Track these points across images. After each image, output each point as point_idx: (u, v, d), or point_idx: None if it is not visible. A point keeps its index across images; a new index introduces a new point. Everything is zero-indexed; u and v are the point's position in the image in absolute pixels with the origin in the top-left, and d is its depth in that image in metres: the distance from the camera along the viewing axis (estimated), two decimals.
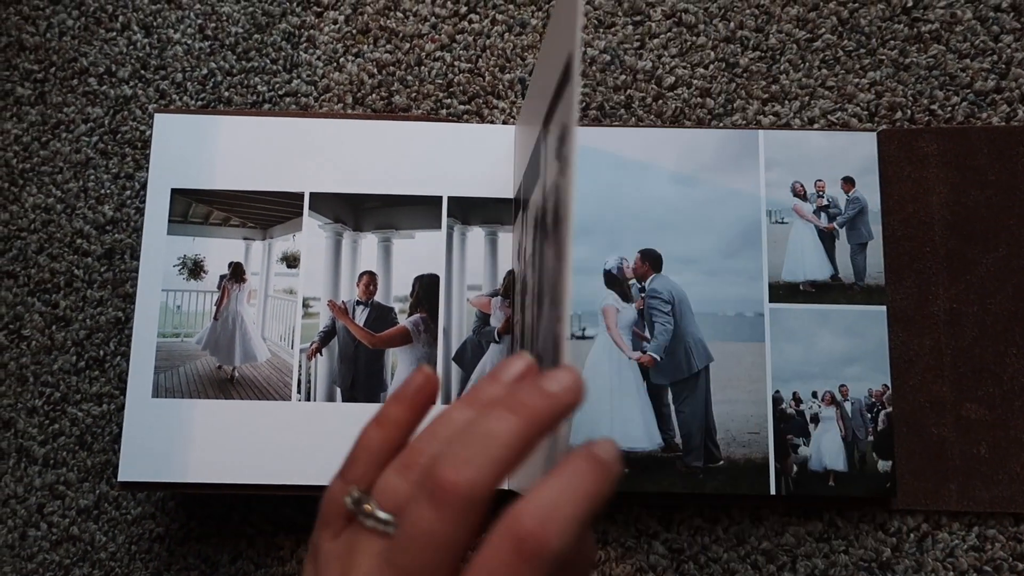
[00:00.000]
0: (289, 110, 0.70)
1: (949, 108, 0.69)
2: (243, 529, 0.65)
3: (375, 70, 0.71)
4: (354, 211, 0.66)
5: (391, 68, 0.71)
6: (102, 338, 0.68)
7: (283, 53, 0.71)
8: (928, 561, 0.63)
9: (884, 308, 0.65)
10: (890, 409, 0.64)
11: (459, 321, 0.65)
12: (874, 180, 0.66)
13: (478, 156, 0.66)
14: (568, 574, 0.34)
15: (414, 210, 0.66)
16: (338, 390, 0.63)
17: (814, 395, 0.64)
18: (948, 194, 0.67)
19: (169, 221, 0.65)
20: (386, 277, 0.66)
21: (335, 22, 0.72)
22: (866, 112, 0.69)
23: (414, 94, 0.71)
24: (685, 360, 0.64)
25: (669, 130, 0.68)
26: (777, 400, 0.64)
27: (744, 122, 0.69)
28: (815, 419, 0.63)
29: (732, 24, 0.71)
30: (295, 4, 0.72)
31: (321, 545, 0.37)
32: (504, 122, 0.70)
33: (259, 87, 0.70)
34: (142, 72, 0.71)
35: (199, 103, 0.70)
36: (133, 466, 0.62)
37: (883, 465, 0.63)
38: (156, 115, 0.66)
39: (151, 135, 0.68)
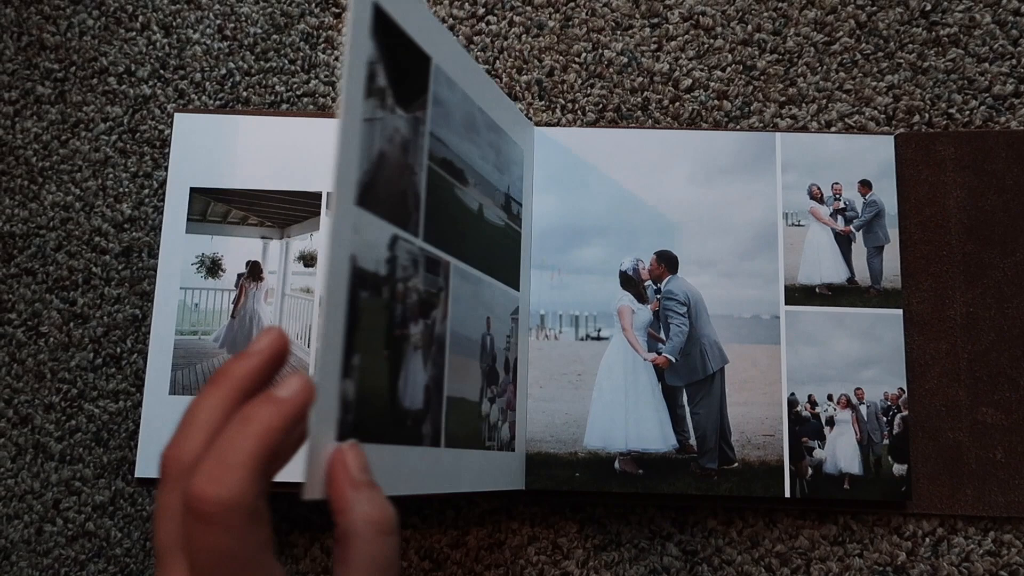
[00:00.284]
0: (307, 110, 0.71)
1: (967, 112, 0.69)
2: None
3: None
4: None
5: None
6: (119, 335, 0.68)
7: (301, 53, 0.72)
8: (943, 566, 0.63)
9: (900, 312, 0.65)
10: (906, 413, 0.64)
11: None
12: (891, 183, 0.66)
13: None
14: (351, 543, 0.38)
15: None
16: None
17: (829, 398, 0.64)
18: (965, 198, 0.66)
19: (188, 220, 0.66)
20: None
21: None
22: (883, 116, 0.69)
23: None
24: (700, 362, 0.64)
25: (686, 132, 0.68)
26: (792, 403, 0.64)
27: (761, 125, 0.69)
28: (830, 422, 0.63)
29: (750, 27, 0.71)
30: (313, 5, 0.72)
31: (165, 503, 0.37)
32: None
33: (277, 87, 0.71)
34: (161, 72, 0.71)
35: (217, 103, 0.71)
36: (151, 463, 0.62)
37: (898, 469, 0.63)
38: (176, 114, 0.67)
39: (170, 134, 0.69)
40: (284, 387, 0.37)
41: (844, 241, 0.66)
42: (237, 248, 0.66)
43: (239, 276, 0.65)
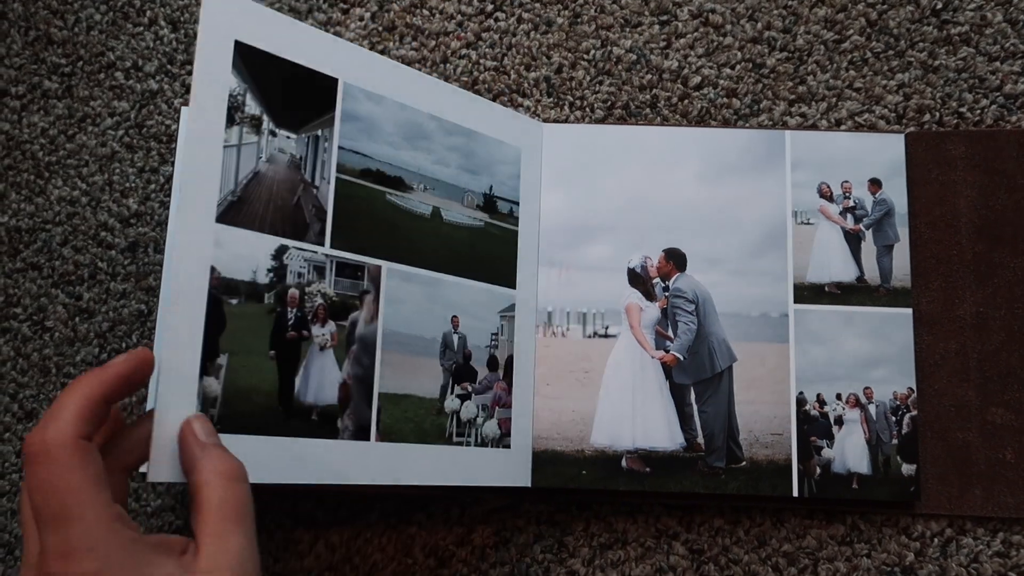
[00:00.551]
0: None
1: (978, 111, 0.68)
2: (261, 523, 0.65)
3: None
4: None
5: (417, 65, 0.71)
6: (125, 331, 0.68)
7: None
8: (952, 566, 0.63)
9: (910, 311, 0.64)
10: (915, 412, 0.63)
11: None
12: (901, 182, 0.66)
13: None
14: (203, 492, 0.42)
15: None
16: None
17: (838, 397, 0.63)
18: (976, 197, 0.66)
19: None
20: None
21: (361, 19, 0.72)
22: (894, 114, 0.69)
23: None
24: (708, 360, 0.64)
25: (695, 129, 0.68)
26: (801, 401, 0.63)
27: (771, 123, 0.69)
28: (839, 421, 0.63)
29: (759, 24, 0.71)
30: (322, 1, 0.72)
31: None
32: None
33: None
34: (168, 67, 0.71)
35: None
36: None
37: (907, 469, 0.63)
38: (183, 109, 0.66)
39: (176, 129, 0.69)
40: (121, 355, 0.44)
41: (853, 240, 0.66)
42: None
43: None
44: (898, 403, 0.63)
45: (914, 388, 0.63)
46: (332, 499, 0.65)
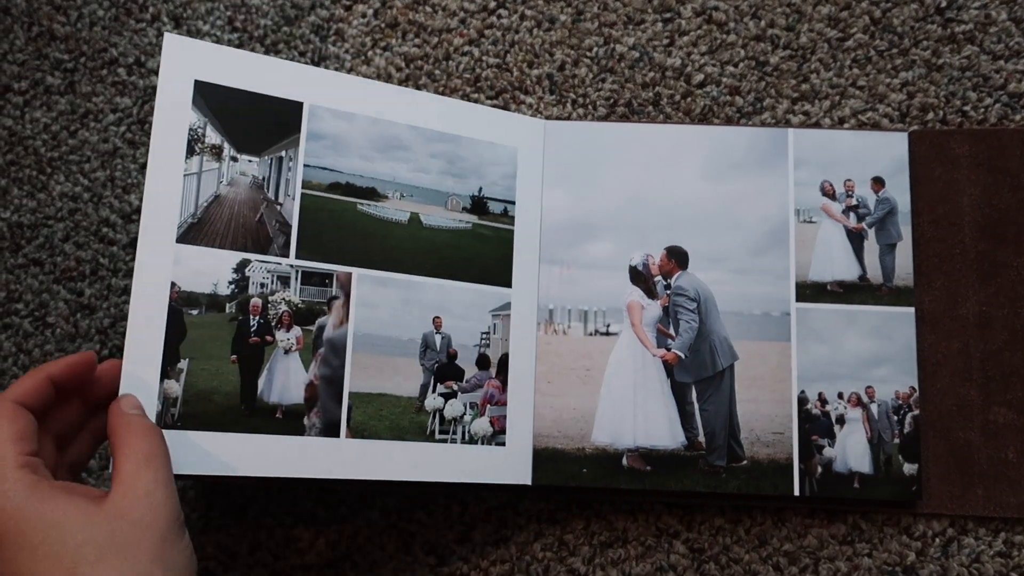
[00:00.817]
0: None
1: (982, 109, 0.68)
2: (262, 520, 0.65)
3: (403, 64, 0.71)
4: None
5: (419, 62, 0.71)
6: (126, 327, 0.68)
7: (311, 46, 0.72)
8: (953, 566, 0.62)
9: (912, 310, 0.64)
10: (917, 412, 0.63)
11: None
12: (904, 181, 0.66)
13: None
14: (119, 433, 0.48)
15: None
16: None
17: (840, 396, 0.63)
18: (979, 196, 0.66)
19: None
20: None
21: (364, 16, 0.72)
22: (897, 112, 0.69)
23: (441, 88, 0.71)
24: (710, 358, 0.64)
25: (697, 127, 0.67)
26: (802, 400, 0.63)
27: (773, 121, 0.69)
28: (841, 420, 0.63)
29: (763, 22, 0.70)
30: None
31: None
32: (531, 116, 0.69)
33: None
34: None
35: None
36: None
37: (909, 468, 0.62)
38: None
39: None
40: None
41: (856, 238, 0.65)
42: None
43: None
44: (900, 402, 0.63)
45: (916, 387, 0.63)
46: (332, 497, 0.65)
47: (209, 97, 0.57)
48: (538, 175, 0.66)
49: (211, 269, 0.56)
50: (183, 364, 0.55)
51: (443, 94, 0.71)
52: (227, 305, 0.57)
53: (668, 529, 0.64)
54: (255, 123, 0.59)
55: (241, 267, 0.57)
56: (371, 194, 0.62)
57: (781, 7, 0.71)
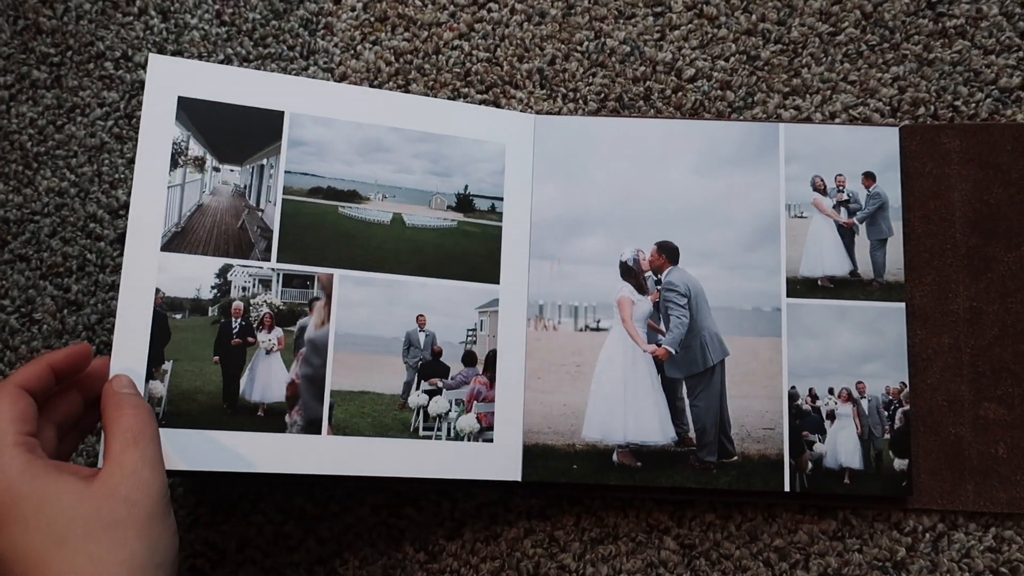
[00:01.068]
0: None
1: (973, 104, 0.68)
2: (252, 517, 0.65)
3: (392, 58, 0.71)
4: None
5: (408, 56, 0.71)
6: (113, 323, 0.67)
7: (300, 40, 0.71)
8: (943, 561, 0.62)
9: (903, 305, 0.64)
10: (907, 407, 0.63)
11: None
12: (895, 176, 0.66)
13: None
14: (111, 409, 0.51)
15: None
16: None
17: (831, 392, 0.63)
18: (970, 191, 0.66)
19: None
20: None
21: (353, 9, 0.72)
22: (888, 107, 0.68)
23: (431, 82, 0.70)
24: (700, 354, 0.64)
25: (688, 122, 0.67)
26: (793, 396, 0.63)
27: (764, 115, 0.69)
28: (831, 416, 0.63)
29: (754, 16, 0.70)
30: None
31: None
32: (521, 111, 0.69)
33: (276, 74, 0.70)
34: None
35: None
36: None
37: (899, 464, 0.62)
38: None
39: None
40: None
41: (847, 233, 0.65)
42: None
43: None
44: (890, 398, 0.63)
45: (907, 383, 0.63)
46: (322, 494, 0.65)
47: (192, 111, 0.60)
48: (527, 170, 0.66)
49: (194, 275, 0.59)
50: (167, 366, 0.57)
51: (433, 88, 0.70)
52: (210, 309, 0.59)
53: (658, 525, 0.64)
54: (237, 133, 0.61)
55: (223, 272, 0.60)
56: (353, 196, 0.63)
57: (772, 1, 0.70)
